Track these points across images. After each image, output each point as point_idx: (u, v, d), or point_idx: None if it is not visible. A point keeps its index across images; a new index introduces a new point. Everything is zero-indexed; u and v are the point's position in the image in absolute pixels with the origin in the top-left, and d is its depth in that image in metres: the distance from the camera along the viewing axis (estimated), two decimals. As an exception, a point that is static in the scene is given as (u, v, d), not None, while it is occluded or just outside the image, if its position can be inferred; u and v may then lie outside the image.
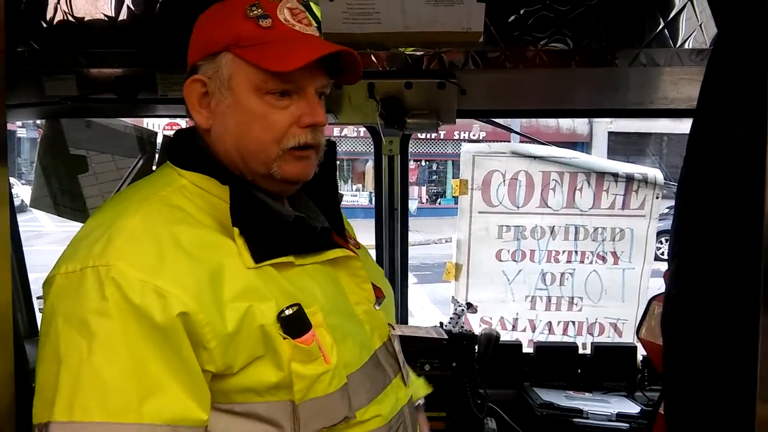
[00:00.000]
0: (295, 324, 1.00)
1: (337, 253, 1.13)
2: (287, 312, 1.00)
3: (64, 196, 2.57)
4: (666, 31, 1.70)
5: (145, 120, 4.33)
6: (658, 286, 1.88)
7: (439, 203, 19.61)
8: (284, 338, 0.99)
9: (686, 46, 1.69)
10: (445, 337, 1.23)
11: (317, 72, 1.08)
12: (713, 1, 1.04)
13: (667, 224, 1.25)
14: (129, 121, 2.71)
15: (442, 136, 17.58)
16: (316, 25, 1.11)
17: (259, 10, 1.06)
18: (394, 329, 1.23)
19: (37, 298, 2.81)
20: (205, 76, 1.08)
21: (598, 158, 3.29)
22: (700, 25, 1.69)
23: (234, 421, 1.00)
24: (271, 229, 1.06)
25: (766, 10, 0.90)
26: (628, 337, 2.84)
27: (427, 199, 19.77)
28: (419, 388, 1.45)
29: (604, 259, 2.87)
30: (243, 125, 1.06)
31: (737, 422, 0.96)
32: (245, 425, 1.00)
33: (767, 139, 0.88)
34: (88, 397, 0.89)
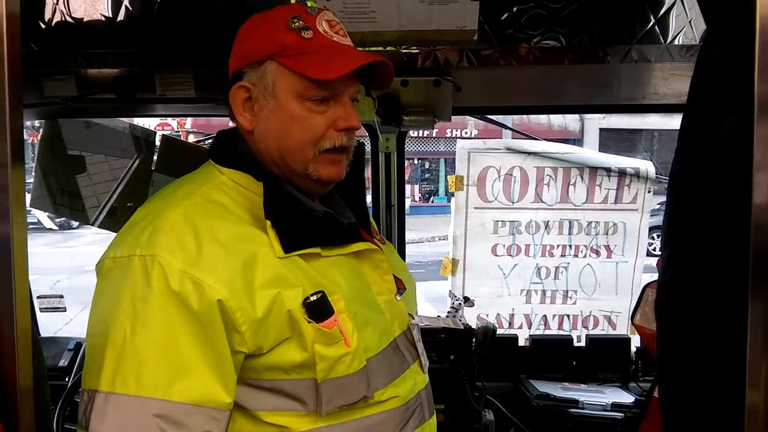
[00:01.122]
0: (318, 309, 1.08)
1: (361, 246, 1.21)
2: (312, 298, 1.08)
3: (63, 195, 2.59)
4: (656, 27, 1.73)
5: (135, 119, 4.33)
6: (651, 279, 1.92)
7: (432, 201, 19.60)
8: (309, 322, 1.07)
9: (676, 43, 1.72)
10: (461, 327, 1.28)
11: (352, 80, 1.17)
12: (701, -2, 1.07)
13: (658, 220, 1.28)
14: (127, 121, 2.72)
15: (434, 134, 17.59)
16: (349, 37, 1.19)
17: (301, 22, 1.14)
18: (413, 319, 1.29)
19: (38, 297, 2.83)
20: (250, 82, 1.16)
21: (593, 151, 3.31)
22: (690, 22, 1.72)
23: (263, 395, 1.10)
24: (300, 222, 1.15)
25: (752, 6, 0.94)
26: (622, 329, 2.88)
27: (420, 198, 19.76)
28: None
29: (597, 253, 2.90)
30: (285, 128, 1.15)
31: (729, 405, 1.00)
32: (273, 400, 1.10)
33: (754, 131, 0.91)
34: (127, 372, 0.99)
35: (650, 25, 1.73)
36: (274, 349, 1.08)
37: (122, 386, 0.99)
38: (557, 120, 16.99)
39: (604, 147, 16.44)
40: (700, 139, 1.03)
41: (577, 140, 17.27)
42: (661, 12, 1.73)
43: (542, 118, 16.14)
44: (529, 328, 3.01)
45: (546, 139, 3.22)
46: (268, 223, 1.11)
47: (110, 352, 1.01)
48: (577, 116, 16.93)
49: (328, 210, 1.20)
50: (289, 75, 1.14)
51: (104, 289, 1.08)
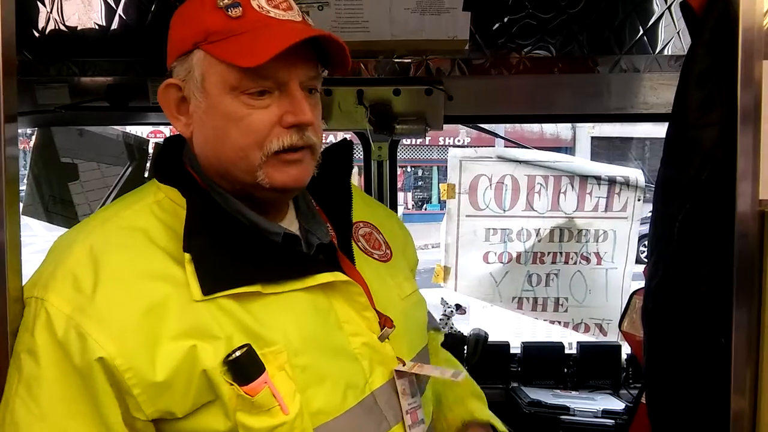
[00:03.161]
0: (243, 368, 0.87)
1: (325, 278, 0.97)
2: (235, 354, 0.87)
3: (56, 203, 2.59)
4: (645, 38, 1.75)
5: (128, 127, 4.32)
6: (639, 286, 1.94)
7: (425, 209, 19.62)
8: (230, 384, 0.87)
9: (665, 53, 1.75)
10: (459, 379, 1.04)
11: (300, 63, 0.94)
12: (686, 11, 1.09)
13: (648, 228, 1.29)
14: (119, 129, 2.73)
15: (427, 142, 17.64)
16: (297, 9, 0.98)
17: None
18: (404, 365, 1.03)
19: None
20: (179, 78, 0.97)
21: (583, 159, 3.33)
22: (678, 33, 1.74)
23: None
24: (236, 251, 0.93)
25: (735, 20, 0.96)
26: (613, 336, 2.89)
27: (413, 205, 19.77)
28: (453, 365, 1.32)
29: (587, 260, 2.92)
30: (221, 131, 0.94)
31: (715, 411, 1.01)
32: None
33: (737, 141, 0.94)
34: None
35: (639, 35, 1.75)
36: (194, 415, 0.87)
37: None
38: (549, 128, 17.08)
39: (595, 155, 16.53)
40: (685, 148, 1.05)
41: (569, 148, 17.35)
42: (650, 22, 1.75)
43: (535, 127, 16.22)
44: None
45: (538, 148, 3.24)
46: (187, 257, 0.89)
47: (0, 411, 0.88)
48: (569, 125, 17.02)
49: (290, 231, 1.00)
50: (218, 65, 0.92)
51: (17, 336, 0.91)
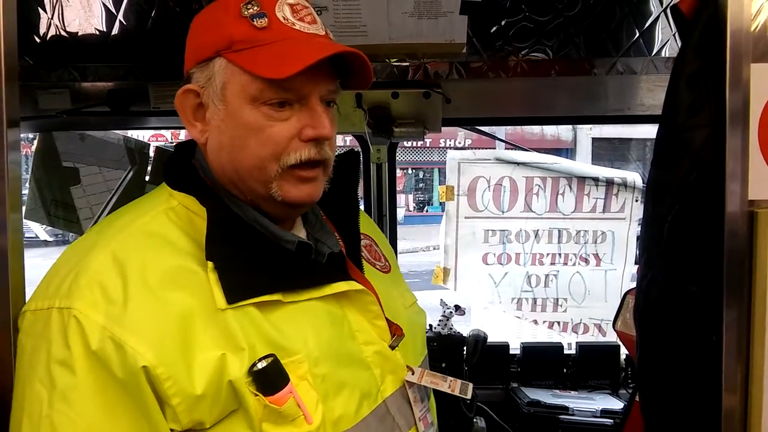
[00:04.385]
0: (268, 379, 0.87)
1: (342, 287, 0.97)
2: (260, 365, 0.86)
3: (58, 207, 2.61)
4: (641, 40, 1.77)
5: (129, 131, 4.34)
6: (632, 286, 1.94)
7: (426, 211, 19.61)
8: (255, 395, 0.86)
9: (661, 55, 1.76)
10: (468, 397, 1.08)
11: (321, 77, 0.94)
12: (676, 14, 1.11)
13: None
14: (120, 133, 2.75)
15: (428, 144, 17.64)
16: (321, 23, 0.98)
17: (255, 8, 0.92)
18: (413, 374, 1.04)
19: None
20: (198, 85, 0.96)
21: (580, 163, 3.35)
22: (674, 35, 1.76)
23: None
24: (256, 260, 0.93)
25: (723, 23, 0.98)
26: (612, 336, 2.90)
27: (414, 207, 19.76)
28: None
29: (586, 261, 2.94)
30: (238, 140, 0.94)
31: (707, 408, 1.03)
32: None
33: (726, 142, 0.95)
34: None
35: (635, 37, 1.77)
36: (220, 424, 0.87)
37: None
38: (550, 130, 17.07)
39: (596, 156, 16.54)
40: (675, 149, 1.07)
41: (570, 150, 17.35)
42: (646, 25, 1.77)
43: (535, 128, 16.23)
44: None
45: (539, 149, 3.25)
46: (210, 265, 0.89)
47: (26, 426, 0.84)
48: (569, 126, 17.03)
49: (304, 240, 1.00)
50: (240, 74, 0.92)
51: (24, 348, 0.88)
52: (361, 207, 1.40)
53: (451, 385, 1.08)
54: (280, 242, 0.97)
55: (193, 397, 0.84)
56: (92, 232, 0.98)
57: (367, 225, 1.23)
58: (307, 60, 0.89)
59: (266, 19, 0.92)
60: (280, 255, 0.96)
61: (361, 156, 2.62)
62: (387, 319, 1.03)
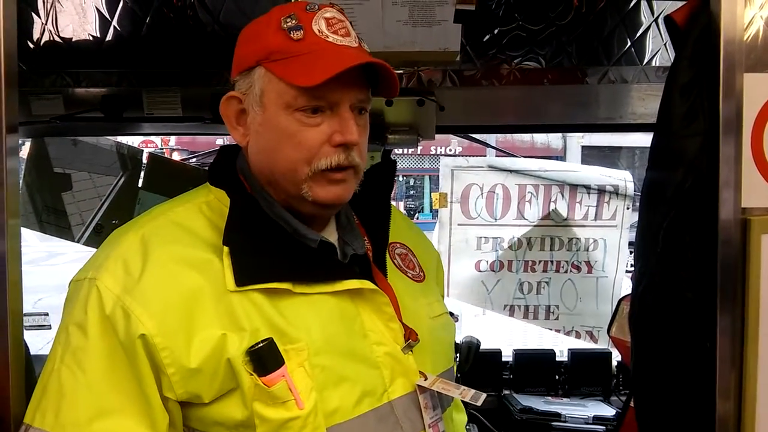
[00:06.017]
0: (263, 359, 0.92)
1: (354, 284, 1.02)
2: (257, 346, 0.92)
3: (49, 213, 2.59)
4: (633, 49, 1.78)
5: (122, 137, 4.33)
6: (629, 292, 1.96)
7: (417, 218, 19.64)
8: (250, 375, 0.92)
9: (653, 64, 1.78)
10: (480, 404, 1.09)
11: (352, 85, 1.00)
12: (669, 24, 1.12)
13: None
14: (113, 139, 2.74)
15: (419, 151, 17.68)
16: (354, 36, 1.04)
17: (293, 21, 0.99)
18: (426, 380, 1.05)
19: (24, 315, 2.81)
20: (240, 92, 1.04)
21: (575, 164, 3.38)
22: (665, 44, 1.77)
23: None
24: (270, 250, 1.00)
25: (717, 33, 0.99)
26: (603, 343, 2.92)
27: (405, 214, 19.77)
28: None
29: (578, 269, 2.95)
30: (274, 143, 1.01)
31: (701, 414, 1.03)
32: None
33: (720, 151, 0.96)
34: (47, 406, 0.92)
35: (627, 47, 1.78)
36: (218, 401, 0.93)
37: (41, 420, 0.92)
38: (540, 138, 17.17)
39: (585, 164, 16.62)
40: (669, 157, 1.08)
41: (560, 157, 17.44)
42: (638, 34, 1.78)
43: (525, 136, 16.30)
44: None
45: (529, 157, 3.27)
46: (225, 249, 0.97)
47: (41, 380, 0.94)
48: (559, 134, 17.12)
49: (327, 240, 1.05)
50: (277, 82, 0.99)
51: (63, 313, 0.99)
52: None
53: (463, 393, 1.10)
54: (302, 239, 1.03)
55: (188, 370, 0.91)
56: (136, 219, 1.08)
57: (408, 234, 1.28)
58: (334, 69, 0.95)
59: (302, 32, 0.99)
60: (296, 249, 1.02)
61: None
62: (403, 323, 1.06)
